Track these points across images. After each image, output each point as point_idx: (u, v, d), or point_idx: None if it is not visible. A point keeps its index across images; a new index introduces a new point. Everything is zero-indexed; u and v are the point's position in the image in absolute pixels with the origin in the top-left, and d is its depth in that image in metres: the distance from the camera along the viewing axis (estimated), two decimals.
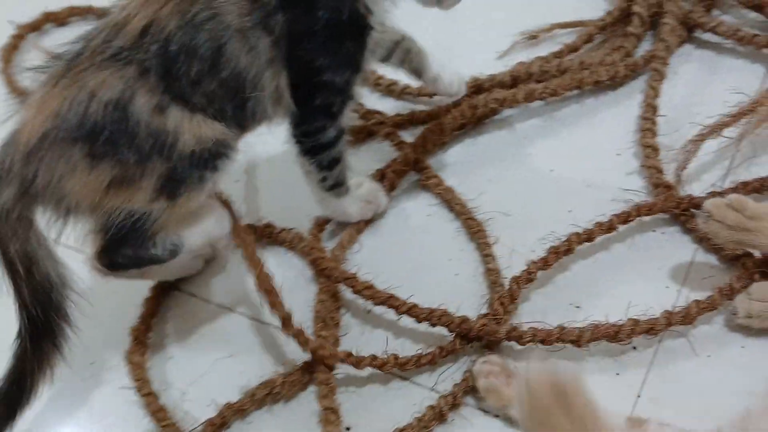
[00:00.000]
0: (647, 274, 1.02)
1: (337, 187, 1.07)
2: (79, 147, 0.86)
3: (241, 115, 0.94)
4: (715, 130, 1.05)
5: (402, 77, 1.23)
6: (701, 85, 1.21)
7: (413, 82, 1.22)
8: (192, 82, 0.88)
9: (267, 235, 1.12)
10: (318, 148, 1.02)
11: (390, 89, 1.28)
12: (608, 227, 1.02)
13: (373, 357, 0.97)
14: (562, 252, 1.00)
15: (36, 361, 0.92)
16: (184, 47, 0.87)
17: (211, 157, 0.92)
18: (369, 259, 1.09)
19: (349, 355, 0.97)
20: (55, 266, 0.92)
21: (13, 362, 0.92)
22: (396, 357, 0.96)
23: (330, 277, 1.04)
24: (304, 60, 0.94)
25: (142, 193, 0.90)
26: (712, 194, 1.02)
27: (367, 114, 1.24)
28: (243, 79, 0.91)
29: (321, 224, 1.13)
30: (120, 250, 0.94)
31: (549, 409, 0.70)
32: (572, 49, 1.28)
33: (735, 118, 1.06)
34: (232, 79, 0.90)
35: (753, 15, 1.27)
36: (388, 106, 1.26)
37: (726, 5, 1.29)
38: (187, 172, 0.90)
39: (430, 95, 1.25)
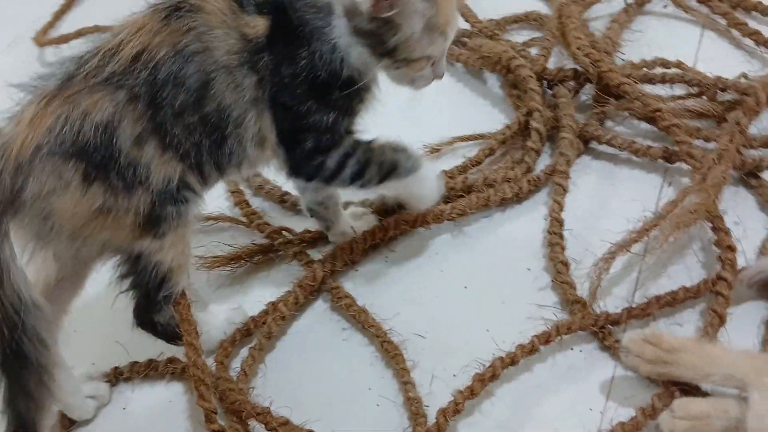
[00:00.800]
0: (571, 394, 1.01)
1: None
2: (73, 164, 0.86)
3: (218, 153, 0.93)
4: (623, 247, 1.07)
5: None
6: (603, 197, 1.24)
7: None
8: (175, 112, 0.89)
9: (170, 371, 1.06)
10: (329, 178, 1.01)
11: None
12: (530, 349, 1.01)
13: None
14: (487, 379, 0.98)
15: (27, 399, 0.86)
16: (171, 76, 0.88)
17: (180, 189, 0.92)
18: (282, 391, 1.03)
19: None
20: (27, 286, 0.86)
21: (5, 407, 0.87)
22: None
23: (240, 413, 0.98)
24: (288, 104, 0.94)
25: (125, 228, 0.90)
26: (628, 310, 1.04)
27: (273, 233, 1.20)
28: (226, 116, 0.92)
29: (225, 349, 1.07)
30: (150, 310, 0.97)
31: None
32: (475, 162, 1.29)
33: (641, 234, 1.08)
34: (214, 114, 0.91)
35: (645, 126, 1.32)
36: (296, 223, 1.22)
37: (619, 117, 1.34)
38: (165, 207, 0.91)
39: None
